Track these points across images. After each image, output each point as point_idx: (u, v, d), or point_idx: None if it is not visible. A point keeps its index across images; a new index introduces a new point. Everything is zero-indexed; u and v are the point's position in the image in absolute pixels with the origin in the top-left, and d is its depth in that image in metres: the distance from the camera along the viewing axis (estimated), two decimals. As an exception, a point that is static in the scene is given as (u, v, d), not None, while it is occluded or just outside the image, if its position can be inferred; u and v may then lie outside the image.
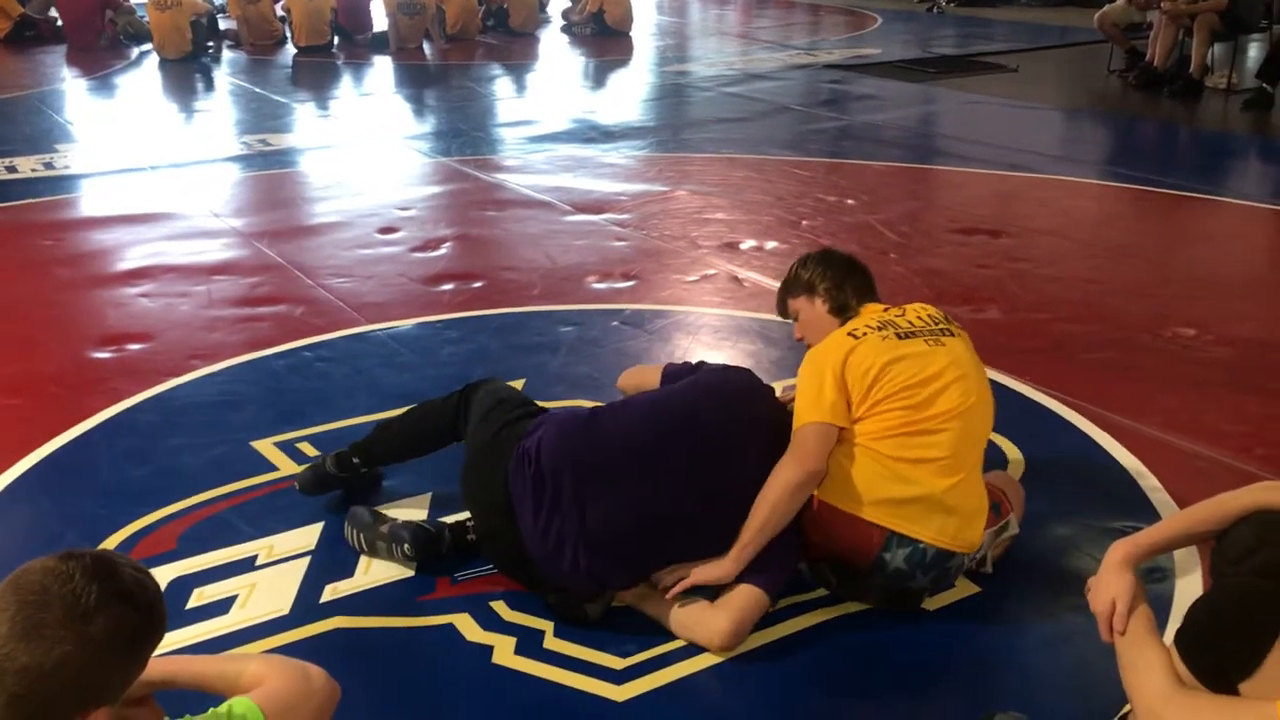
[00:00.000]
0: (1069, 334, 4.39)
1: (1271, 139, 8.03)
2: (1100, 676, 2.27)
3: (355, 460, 3.15)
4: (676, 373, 3.04)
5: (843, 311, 2.93)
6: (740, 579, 2.61)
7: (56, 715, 1.42)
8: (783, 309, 3.12)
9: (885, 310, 2.89)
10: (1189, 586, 2.73)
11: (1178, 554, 2.82)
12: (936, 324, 2.84)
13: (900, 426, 2.63)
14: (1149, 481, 3.27)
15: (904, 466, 2.61)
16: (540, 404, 3.00)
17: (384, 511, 3.02)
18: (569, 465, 2.61)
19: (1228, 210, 6.25)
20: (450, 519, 2.98)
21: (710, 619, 2.58)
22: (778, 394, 3.00)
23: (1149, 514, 3.07)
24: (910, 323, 2.81)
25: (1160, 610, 2.44)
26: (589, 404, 3.72)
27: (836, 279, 2.98)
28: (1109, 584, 2.03)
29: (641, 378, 3.21)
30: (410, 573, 2.87)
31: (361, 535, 2.93)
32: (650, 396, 2.90)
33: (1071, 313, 4.60)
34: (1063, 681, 2.51)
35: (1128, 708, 1.98)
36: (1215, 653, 1.85)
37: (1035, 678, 2.55)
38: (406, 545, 2.84)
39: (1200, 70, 9.06)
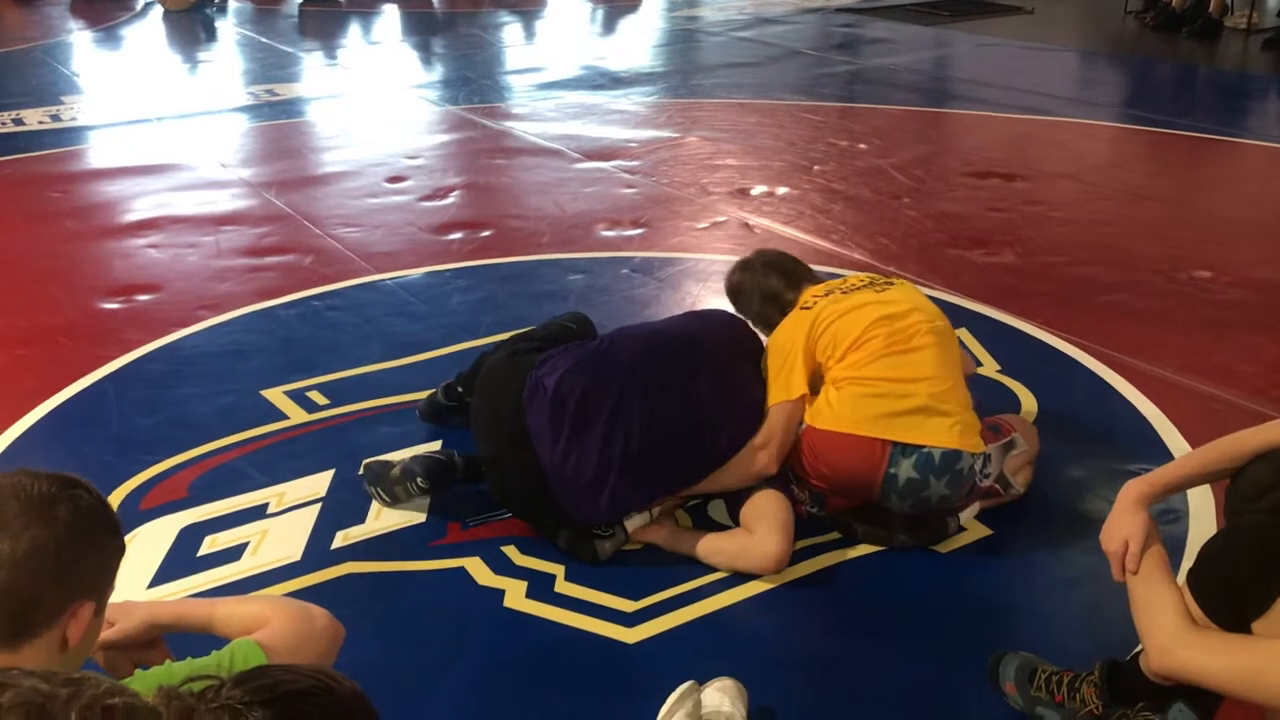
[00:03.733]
0: (1083, 277, 4.35)
1: (1292, 79, 7.90)
2: (1112, 617, 2.26)
3: (460, 389, 3.23)
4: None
5: (785, 312, 3.00)
6: (752, 488, 2.72)
7: (46, 608, 1.41)
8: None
9: (827, 284, 3.02)
10: (1202, 527, 2.71)
11: (1191, 495, 2.80)
12: (875, 280, 3.00)
13: (884, 350, 2.74)
14: (1163, 423, 3.25)
15: (894, 385, 2.69)
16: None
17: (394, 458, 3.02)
18: (584, 392, 2.65)
19: (1247, 152, 6.16)
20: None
21: (757, 545, 2.62)
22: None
23: (1162, 456, 3.04)
24: (852, 285, 2.97)
25: (1174, 551, 2.41)
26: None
27: (765, 296, 3.06)
28: (1122, 524, 2.01)
29: None
30: (421, 518, 2.88)
31: (379, 487, 2.92)
32: (650, 324, 3.10)
33: (1086, 256, 4.55)
34: (1075, 622, 2.51)
35: (1140, 647, 1.97)
36: (1229, 591, 1.83)
37: (1047, 618, 2.54)
38: (419, 479, 2.85)
39: (1219, 9, 8.91)
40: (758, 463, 2.71)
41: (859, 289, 2.92)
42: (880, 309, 2.81)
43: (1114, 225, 4.91)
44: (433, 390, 3.34)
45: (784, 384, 2.77)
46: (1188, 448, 3.06)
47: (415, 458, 2.92)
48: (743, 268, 3.16)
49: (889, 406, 2.66)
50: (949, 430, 2.66)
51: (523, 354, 2.84)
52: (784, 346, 2.83)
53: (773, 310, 3.04)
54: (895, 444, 2.64)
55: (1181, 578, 1.94)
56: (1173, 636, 1.84)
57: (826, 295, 2.90)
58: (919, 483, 2.64)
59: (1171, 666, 1.84)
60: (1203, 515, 2.78)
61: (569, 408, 2.63)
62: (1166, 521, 2.72)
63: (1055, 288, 4.26)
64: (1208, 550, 1.92)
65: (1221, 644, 1.80)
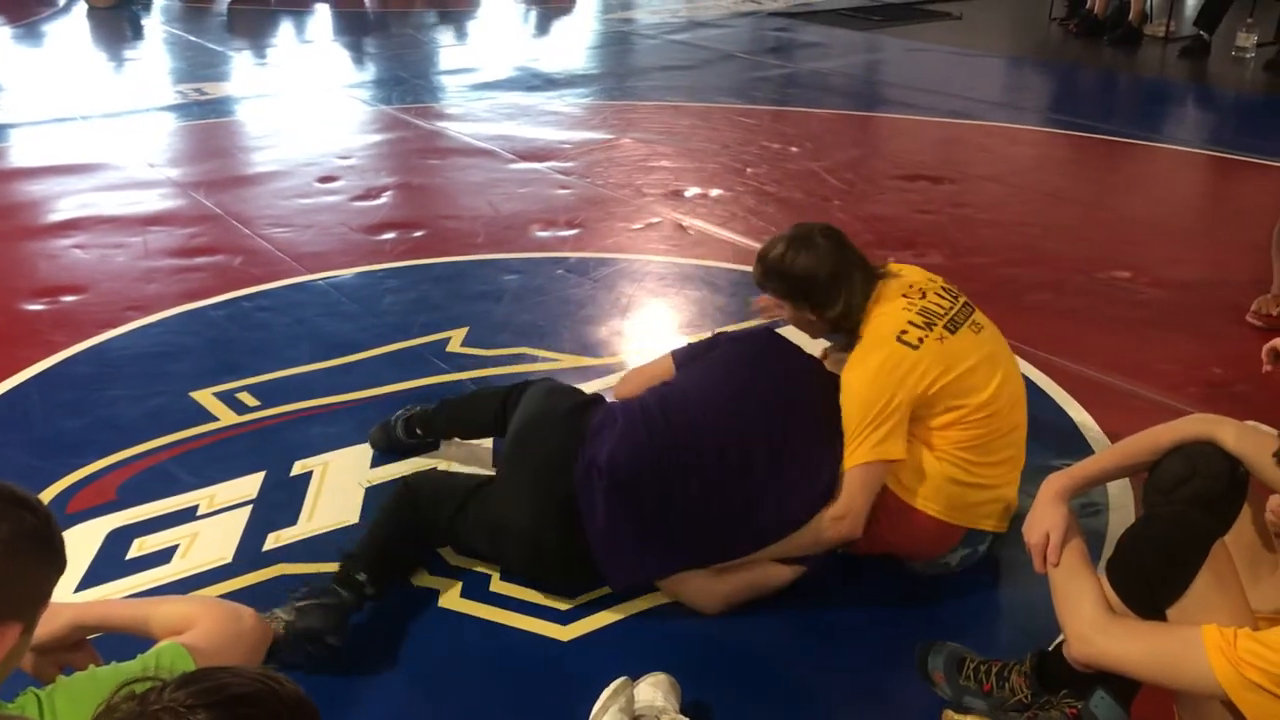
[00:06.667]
0: (1008, 277, 4.44)
1: (1207, 86, 8.13)
2: (1035, 607, 2.32)
3: (419, 431, 3.10)
4: (692, 355, 2.80)
5: (854, 328, 2.63)
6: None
7: None
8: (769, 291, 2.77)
9: (905, 295, 2.60)
10: (1122, 519, 2.78)
11: (1111, 488, 2.88)
12: (956, 298, 2.66)
13: (990, 433, 2.56)
14: (1084, 419, 3.33)
15: (987, 471, 2.58)
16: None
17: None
18: (646, 474, 2.46)
19: (1163, 156, 6.34)
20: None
21: (696, 603, 2.54)
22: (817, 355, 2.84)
23: (1084, 451, 3.12)
24: (942, 308, 2.59)
25: (1094, 544, 2.49)
26: (544, 354, 3.75)
27: (849, 310, 2.60)
28: (1043, 517, 2.07)
29: (648, 375, 2.86)
30: (355, 519, 2.86)
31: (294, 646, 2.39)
32: (704, 386, 2.62)
33: (1011, 256, 4.65)
34: (999, 613, 2.57)
35: (1061, 637, 2.03)
36: (1145, 580, 1.89)
37: (974, 609, 2.60)
38: (330, 637, 2.35)
39: (1139, 18, 9.14)
40: (837, 533, 2.50)
41: (957, 324, 2.57)
42: (992, 372, 2.55)
43: (1037, 227, 5.03)
44: (388, 419, 3.15)
45: (877, 443, 2.45)
46: (1108, 443, 3.15)
47: (307, 609, 2.35)
48: (810, 250, 2.58)
49: (979, 496, 2.57)
50: (1007, 512, 2.64)
51: (572, 418, 2.58)
52: (880, 393, 2.45)
53: (845, 325, 2.62)
54: (972, 529, 2.60)
55: (1101, 568, 2.00)
56: (1091, 625, 1.89)
57: (927, 327, 2.52)
58: (967, 556, 2.64)
59: (1090, 654, 1.90)
60: (1122, 507, 2.86)
61: (621, 487, 2.44)
62: (1088, 514, 2.80)
63: (981, 288, 4.33)
64: (1124, 541, 1.97)
65: (1137, 631, 1.86)
